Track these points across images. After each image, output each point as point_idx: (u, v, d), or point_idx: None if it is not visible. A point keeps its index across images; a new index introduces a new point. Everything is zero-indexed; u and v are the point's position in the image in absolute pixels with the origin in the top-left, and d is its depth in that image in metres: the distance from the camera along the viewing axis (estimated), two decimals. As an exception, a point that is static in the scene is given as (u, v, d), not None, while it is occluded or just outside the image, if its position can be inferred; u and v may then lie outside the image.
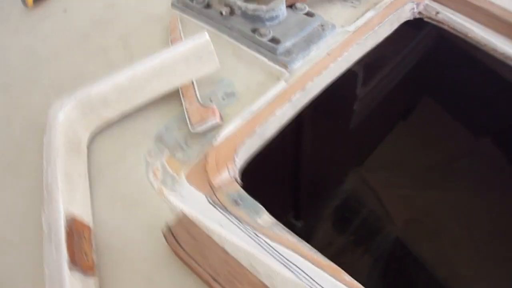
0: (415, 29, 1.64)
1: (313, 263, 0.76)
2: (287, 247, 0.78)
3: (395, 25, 1.24)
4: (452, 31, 1.24)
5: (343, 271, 0.76)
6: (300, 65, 1.02)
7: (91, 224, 0.85)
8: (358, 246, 2.13)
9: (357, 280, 0.80)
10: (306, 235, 2.15)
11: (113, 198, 0.89)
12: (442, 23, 1.25)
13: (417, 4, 1.25)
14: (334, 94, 1.11)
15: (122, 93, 0.93)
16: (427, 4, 1.25)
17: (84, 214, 0.87)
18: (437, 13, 1.25)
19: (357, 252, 2.11)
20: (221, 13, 1.08)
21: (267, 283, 0.74)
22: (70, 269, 0.77)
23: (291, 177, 1.75)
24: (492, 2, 1.21)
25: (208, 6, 1.16)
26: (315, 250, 0.79)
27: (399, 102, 2.32)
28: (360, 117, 1.60)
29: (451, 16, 1.23)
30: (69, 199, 0.85)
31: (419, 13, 1.28)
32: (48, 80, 1.14)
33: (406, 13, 1.26)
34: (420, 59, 1.90)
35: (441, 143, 2.31)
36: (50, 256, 0.75)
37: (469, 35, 1.20)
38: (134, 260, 0.83)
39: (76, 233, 0.81)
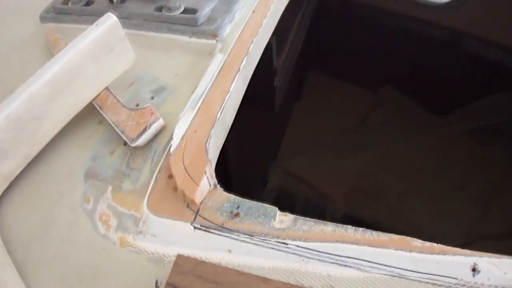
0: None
1: (371, 245, 0.57)
2: (329, 240, 0.58)
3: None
4: None
5: (410, 238, 0.57)
6: (230, 30, 0.81)
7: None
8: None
9: None
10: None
11: (64, 279, 0.60)
12: None
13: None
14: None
15: (20, 129, 0.64)
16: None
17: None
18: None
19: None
20: (112, 2, 0.83)
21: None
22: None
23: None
24: None
25: (88, 3, 0.90)
26: (361, 228, 0.60)
27: (293, 83, 2.22)
28: (280, 96, 1.43)
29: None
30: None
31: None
32: None
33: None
34: (308, 25, 1.81)
35: (345, 108, 2.26)
36: None
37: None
38: None
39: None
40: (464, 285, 0.51)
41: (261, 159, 2.14)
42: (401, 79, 2.21)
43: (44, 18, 0.94)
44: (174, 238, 0.60)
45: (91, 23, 0.85)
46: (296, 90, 2.41)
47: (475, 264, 0.52)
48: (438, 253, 0.55)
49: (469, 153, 2.02)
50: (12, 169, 0.65)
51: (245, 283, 0.52)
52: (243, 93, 0.77)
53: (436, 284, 0.51)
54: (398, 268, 0.54)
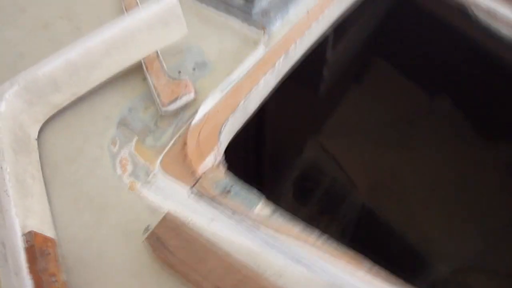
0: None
1: (325, 253, 0.66)
2: (294, 238, 0.67)
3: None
4: None
5: (362, 258, 0.66)
6: (280, 26, 0.88)
7: (54, 237, 0.70)
8: (323, 215, 2.07)
9: None
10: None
11: (77, 202, 0.73)
12: None
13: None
14: (305, 59, 0.99)
15: (75, 72, 0.76)
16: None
17: (45, 226, 0.71)
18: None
19: (323, 222, 2.05)
20: (183, -28, 0.91)
21: (279, 283, 0.62)
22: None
23: (254, 150, 1.63)
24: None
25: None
26: (325, 236, 0.69)
27: (352, 66, 2.24)
28: (328, 83, 1.49)
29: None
30: (25, 210, 0.69)
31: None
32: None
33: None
34: (379, 22, 1.82)
35: (398, 104, 2.27)
36: (9, 285, 0.60)
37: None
38: (112, 275, 0.68)
39: (39, 251, 0.65)
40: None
41: (304, 131, 2.21)
42: (461, 93, 2.18)
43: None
44: (173, 196, 0.71)
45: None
46: (358, 72, 2.42)
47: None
48: (381, 280, 0.63)
49: (501, 185, 2.01)
50: (61, 100, 0.78)
51: (207, 247, 0.63)
52: (273, 86, 0.85)
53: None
54: (340, 280, 0.63)
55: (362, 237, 2.04)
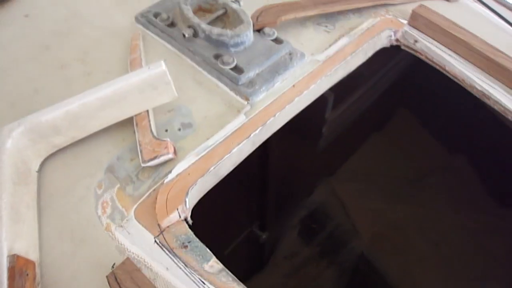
0: (391, 53, 1.63)
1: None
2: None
3: (369, 53, 1.20)
4: (430, 62, 1.21)
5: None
6: (263, 97, 0.98)
7: (37, 259, 0.82)
8: (323, 258, 2.13)
9: None
10: (271, 245, 2.14)
11: (61, 232, 0.86)
12: (420, 53, 1.21)
13: (395, 31, 1.22)
14: (303, 117, 1.08)
15: (74, 120, 0.89)
16: (405, 31, 1.21)
17: (30, 249, 0.83)
18: (416, 41, 1.21)
19: (322, 265, 2.11)
20: (184, 35, 1.03)
21: None
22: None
23: (257, 187, 1.72)
24: (473, 35, 1.18)
25: (172, 24, 1.11)
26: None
27: (374, 115, 2.30)
28: (328, 140, 1.56)
29: (430, 45, 1.19)
30: (14, 235, 0.82)
31: (397, 40, 1.24)
32: (2, 93, 1.08)
33: (382, 41, 1.23)
34: (397, 77, 1.87)
35: (415, 157, 2.31)
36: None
37: (447, 69, 1.18)
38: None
39: (18, 271, 0.78)
40: None
41: (318, 172, 2.28)
42: (479, 153, 2.19)
43: (137, 19, 1.16)
44: (140, 242, 0.82)
45: (168, 42, 1.08)
46: (379, 121, 2.47)
47: None
48: None
49: (507, 253, 2.01)
50: (61, 142, 0.91)
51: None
52: (247, 153, 0.94)
53: None
54: None
55: (357, 284, 2.08)
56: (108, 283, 0.77)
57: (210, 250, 0.81)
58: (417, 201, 2.21)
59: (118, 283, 0.77)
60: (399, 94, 2.13)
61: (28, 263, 0.81)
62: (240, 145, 0.90)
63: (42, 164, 0.93)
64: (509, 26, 1.31)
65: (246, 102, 0.97)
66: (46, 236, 0.86)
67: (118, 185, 0.89)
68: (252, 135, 0.92)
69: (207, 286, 0.77)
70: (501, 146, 1.95)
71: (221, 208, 1.62)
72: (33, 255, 0.83)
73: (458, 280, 2.02)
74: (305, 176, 2.05)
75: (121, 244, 0.82)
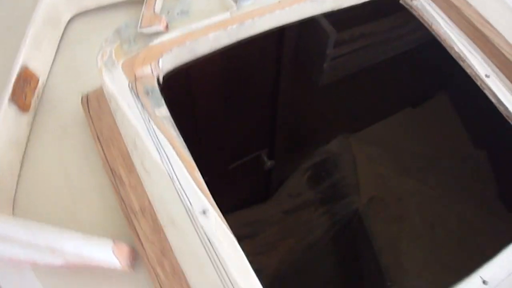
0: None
1: (178, 155, 0.96)
2: (166, 137, 0.98)
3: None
4: (420, 19, 1.32)
5: (196, 168, 0.95)
6: (250, 4, 1.17)
7: (42, 81, 1.11)
8: (322, 205, 2.28)
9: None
10: (277, 178, 2.33)
11: (68, 65, 1.14)
12: (415, 10, 1.33)
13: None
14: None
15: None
16: (407, -12, 1.33)
17: (40, 71, 1.12)
18: (414, -1, 1.32)
19: (319, 211, 2.26)
20: None
21: (134, 154, 0.95)
22: (9, 101, 1.02)
23: (268, 115, 1.90)
24: (468, 4, 1.27)
25: None
26: (185, 146, 0.98)
27: (415, 90, 2.36)
28: (331, 77, 1.68)
29: (426, 5, 1.31)
30: (31, 56, 1.10)
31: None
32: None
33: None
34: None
35: (439, 141, 2.35)
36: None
37: (433, 27, 1.28)
38: (62, 112, 1.08)
39: (24, 79, 1.06)
40: None
41: (341, 125, 2.39)
42: (502, 155, 2.19)
43: None
44: (117, 82, 1.05)
45: None
46: (416, 97, 2.52)
47: None
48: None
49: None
50: (89, 4, 1.18)
51: (107, 113, 0.98)
52: (224, 44, 1.15)
53: None
54: (175, 172, 0.93)
55: (344, 238, 2.22)
56: (81, 101, 1.03)
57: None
58: (426, 180, 2.28)
59: (87, 102, 1.03)
60: (436, 74, 2.18)
61: (34, 77, 1.09)
62: (217, 33, 1.11)
63: (71, 20, 1.21)
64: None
65: (235, 4, 1.16)
66: (56, 68, 1.15)
67: (118, 43, 1.13)
68: (228, 28, 1.12)
69: (152, 123, 1.00)
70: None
71: (234, 122, 1.84)
72: (40, 76, 1.11)
73: (441, 268, 2.07)
74: (323, 125, 2.21)
75: (105, 82, 1.07)
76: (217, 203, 0.92)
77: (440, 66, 1.97)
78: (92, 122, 0.99)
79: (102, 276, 0.86)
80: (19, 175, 1.03)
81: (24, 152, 1.05)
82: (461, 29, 1.26)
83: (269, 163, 2.06)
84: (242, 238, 2.31)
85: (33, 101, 1.08)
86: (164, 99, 1.04)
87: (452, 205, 2.18)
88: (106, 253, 0.79)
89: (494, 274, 0.92)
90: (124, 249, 0.82)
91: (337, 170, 2.31)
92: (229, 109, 1.77)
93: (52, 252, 0.82)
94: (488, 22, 1.24)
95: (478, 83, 1.20)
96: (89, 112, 1.02)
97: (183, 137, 1.01)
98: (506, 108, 1.13)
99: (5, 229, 0.84)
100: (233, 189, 2.21)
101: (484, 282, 0.91)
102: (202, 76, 1.57)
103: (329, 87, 1.79)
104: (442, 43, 1.26)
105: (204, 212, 0.89)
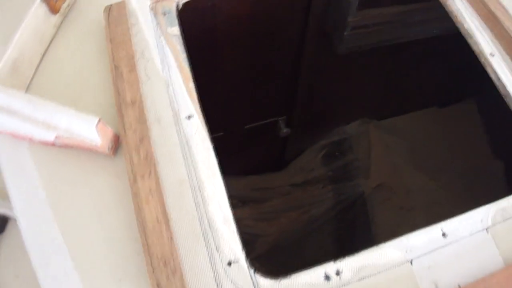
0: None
1: (178, 67, 1.06)
2: (171, 50, 1.08)
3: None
4: None
5: (191, 79, 1.04)
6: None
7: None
8: (331, 183, 2.31)
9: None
10: (291, 149, 2.38)
11: None
12: None
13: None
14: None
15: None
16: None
17: None
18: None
19: (327, 188, 2.30)
20: None
21: (139, 62, 1.05)
22: (41, 1, 1.14)
23: (289, 81, 1.96)
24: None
25: None
26: (187, 61, 1.07)
27: (445, 91, 2.36)
28: (350, 44, 1.70)
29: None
30: None
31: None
32: None
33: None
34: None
35: (458, 144, 2.33)
36: None
37: (447, 3, 1.31)
38: (87, 20, 1.21)
39: None
40: None
41: (367, 109, 2.40)
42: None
43: None
44: (140, 7, 1.16)
45: None
46: (443, 98, 2.51)
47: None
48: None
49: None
50: None
51: (126, 28, 1.08)
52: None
53: None
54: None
55: (344, 218, 2.25)
56: (104, 9, 1.14)
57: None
58: (438, 179, 2.26)
59: (109, 11, 1.13)
60: (471, 84, 2.16)
61: None
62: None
63: None
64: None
65: None
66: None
67: None
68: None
69: (162, 38, 1.10)
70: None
71: (256, 81, 1.91)
72: None
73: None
74: (346, 105, 2.24)
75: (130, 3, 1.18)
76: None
77: (473, 72, 1.97)
78: (109, 27, 1.10)
79: (86, 160, 0.96)
80: (37, 68, 1.14)
81: (46, 49, 1.17)
82: (475, 9, 1.29)
83: (285, 130, 2.12)
84: (248, 201, 2.39)
85: (63, 7, 1.19)
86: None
87: (458, 210, 2.16)
88: (91, 128, 0.89)
89: (456, 230, 0.96)
90: (108, 131, 0.92)
91: (352, 152, 2.33)
92: (253, 66, 1.84)
93: (47, 128, 0.93)
94: (502, 6, 1.27)
95: (482, 60, 1.22)
96: (108, 18, 1.12)
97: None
98: (504, 86, 1.15)
99: (11, 101, 0.95)
100: (247, 151, 2.29)
101: (444, 234, 0.95)
102: (229, 28, 1.65)
103: (353, 61, 1.83)
104: (453, 19, 1.29)
105: (189, 118, 0.98)
